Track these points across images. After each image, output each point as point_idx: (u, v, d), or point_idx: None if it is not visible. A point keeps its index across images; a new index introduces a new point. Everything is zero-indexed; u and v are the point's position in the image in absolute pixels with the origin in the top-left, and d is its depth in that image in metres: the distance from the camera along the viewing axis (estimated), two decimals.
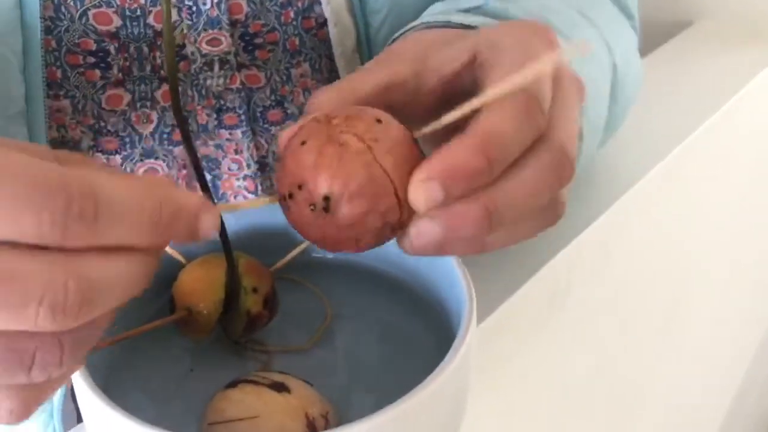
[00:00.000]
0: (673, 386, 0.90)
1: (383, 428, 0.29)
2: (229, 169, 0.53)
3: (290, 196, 0.30)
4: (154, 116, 0.51)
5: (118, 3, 0.47)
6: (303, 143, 0.30)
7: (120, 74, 0.49)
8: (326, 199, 0.29)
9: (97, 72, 0.49)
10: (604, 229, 0.56)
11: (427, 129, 0.31)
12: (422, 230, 0.30)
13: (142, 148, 0.51)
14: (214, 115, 0.52)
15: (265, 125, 0.53)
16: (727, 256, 0.91)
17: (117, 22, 0.47)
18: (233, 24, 0.50)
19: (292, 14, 0.52)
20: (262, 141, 0.53)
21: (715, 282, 0.91)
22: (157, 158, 0.51)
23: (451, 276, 0.36)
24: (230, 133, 0.52)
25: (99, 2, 0.47)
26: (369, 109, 0.31)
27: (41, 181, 0.23)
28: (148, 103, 0.50)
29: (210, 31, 0.50)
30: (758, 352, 1.17)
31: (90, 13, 0.47)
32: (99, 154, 0.50)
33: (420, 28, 0.43)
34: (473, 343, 0.33)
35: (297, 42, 0.53)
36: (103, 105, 0.49)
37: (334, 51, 0.53)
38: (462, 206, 0.29)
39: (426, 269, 0.39)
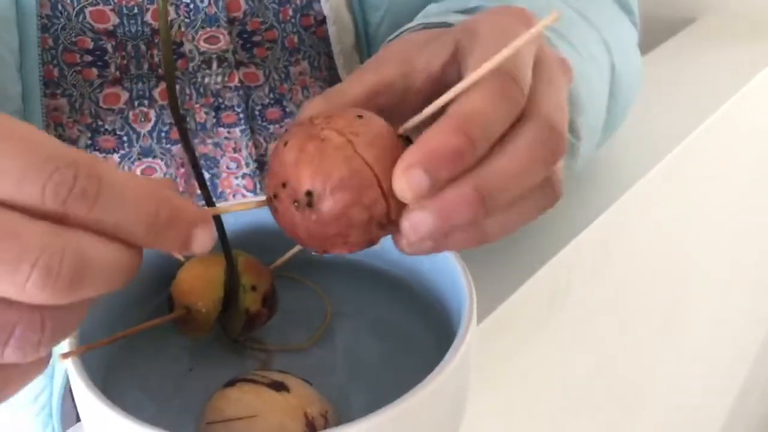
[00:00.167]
0: (674, 386, 0.90)
1: (383, 427, 0.29)
2: (228, 167, 0.53)
3: (275, 196, 0.30)
4: (152, 115, 0.50)
5: (115, 1, 0.47)
6: (285, 144, 0.30)
7: (117, 72, 0.49)
8: (309, 194, 0.29)
9: (95, 70, 0.48)
10: (604, 228, 0.56)
11: (410, 123, 0.31)
12: (414, 222, 0.29)
13: (140, 146, 0.50)
14: (213, 114, 0.52)
15: (264, 123, 0.53)
16: (728, 256, 0.91)
17: (114, 20, 0.47)
18: (231, 21, 0.50)
19: (290, 12, 0.52)
20: (261, 139, 0.53)
21: (716, 282, 0.91)
22: (155, 157, 0.51)
23: (452, 274, 0.36)
24: (229, 132, 0.52)
25: (96, 0, 0.46)
26: (351, 108, 0.31)
27: (52, 153, 0.24)
28: (146, 102, 0.50)
29: (208, 29, 0.50)
30: (759, 352, 1.17)
31: (87, 11, 0.47)
32: (97, 153, 0.49)
33: (415, 29, 0.43)
34: (473, 342, 0.33)
35: (296, 40, 0.53)
36: (101, 103, 0.49)
37: (333, 48, 0.53)
38: (452, 191, 0.28)
39: (426, 267, 0.39)
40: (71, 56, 0.48)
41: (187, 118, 0.51)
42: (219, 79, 0.51)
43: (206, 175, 0.51)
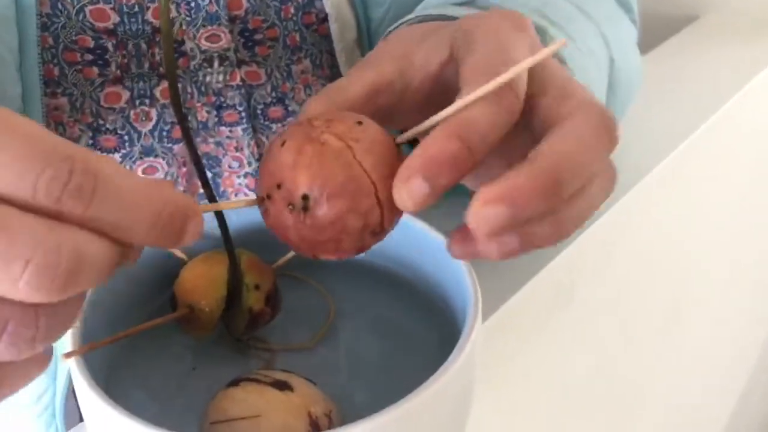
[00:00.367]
0: (676, 385, 0.90)
1: (387, 427, 0.29)
2: (230, 166, 0.52)
3: (268, 196, 0.29)
4: (154, 114, 0.50)
5: None
6: (283, 144, 0.29)
7: (118, 71, 0.49)
8: (305, 198, 0.28)
9: (95, 69, 0.48)
10: (606, 228, 0.56)
11: (408, 134, 0.31)
12: (487, 215, 0.27)
13: (142, 146, 0.50)
14: (214, 113, 0.51)
15: (266, 122, 0.53)
16: (730, 256, 0.91)
17: (114, 18, 0.47)
18: (232, 20, 0.50)
19: (292, 10, 0.51)
20: (263, 138, 0.53)
21: (718, 281, 0.91)
22: (156, 156, 0.50)
23: (456, 272, 0.36)
24: (230, 131, 0.52)
25: None
26: (350, 113, 0.31)
27: (47, 147, 0.23)
28: (147, 101, 0.50)
29: (209, 27, 0.49)
30: (762, 352, 1.17)
31: (87, 10, 0.46)
32: (98, 153, 0.49)
33: (414, 22, 0.42)
34: (478, 340, 0.32)
35: (297, 38, 0.52)
36: (102, 103, 0.49)
37: (335, 46, 0.52)
38: (526, 180, 0.27)
39: (430, 266, 0.38)
40: (72, 55, 0.47)
41: (189, 117, 0.51)
42: (220, 77, 0.51)
43: (208, 175, 0.51)
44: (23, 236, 0.23)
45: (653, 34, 0.84)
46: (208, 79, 0.51)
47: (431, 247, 0.37)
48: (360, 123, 0.30)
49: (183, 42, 0.49)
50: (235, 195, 0.52)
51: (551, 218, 0.29)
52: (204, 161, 0.51)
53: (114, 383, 0.34)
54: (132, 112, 0.50)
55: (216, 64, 0.51)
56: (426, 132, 0.29)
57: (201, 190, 0.50)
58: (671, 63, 0.82)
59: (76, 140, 0.49)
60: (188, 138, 0.31)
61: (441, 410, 0.31)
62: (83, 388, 0.30)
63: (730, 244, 0.90)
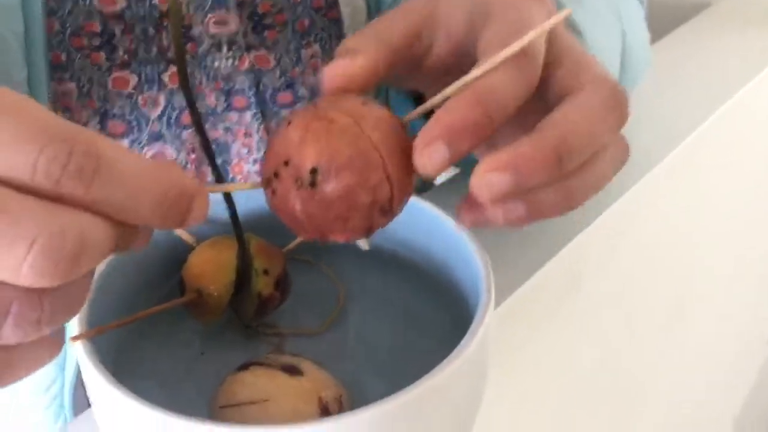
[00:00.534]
0: (685, 375, 0.89)
1: (398, 412, 0.28)
2: (239, 152, 0.52)
3: (276, 175, 0.29)
4: (162, 99, 0.50)
5: None
6: (289, 123, 0.29)
7: (126, 56, 0.48)
8: (313, 172, 0.28)
9: (103, 54, 0.48)
10: (614, 218, 0.55)
11: (415, 113, 0.31)
12: (490, 180, 0.28)
13: (150, 131, 0.50)
14: (223, 98, 0.51)
15: (275, 108, 0.52)
16: (737, 249, 0.90)
17: (122, 2, 0.47)
18: (241, 4, 0.50)
19: None
20: (272, 124, 0.53)
21: (724, 276, 0.90)
22: (165, 142, 0.50)
23: (467, 256, 0.35)
24: (239, 116, 0.52)
25: None
26: (354, 95, 0.31)
27: (45, 128, 0.23)
28: (155, 86, 0.49)
29: (217, 12, 0.49)
30: None
31: None
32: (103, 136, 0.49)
33: None
34: (491, 325, 0.32)
35: (307, 22, 0.52)
36: (110, 88, 0.49)
37: (346, 31, 0.52)
38: (529, 148, 0.28)
39: (440, 250, 0.38)
40: (79, 40, 0.47)
41: (197, 103, 0.50)
42: (229, 62, 0.51)
43: (217, 161, 0.51)
44: (25, 219, 0.22)
45: (664, 21, 0.83)
46: (216, 64, 0.50)
47: (441, 231, 0.37)
48: (365, 103, 0.30)
49: (191, 27, 0.49)
50: (245, 182, 0.52)
51: (559, 187, 0.29)
52: (213, 147, 0.51)
53: (122, 368, 0.34)
54: (140, 98, 0.49)
55: (224, 49, 0.50)
56: (439, 105, 0.29)
57: (210, 177, 0.50)
58: (682, 51, 0.82)
59: (84, 126, 0.48)
60: (198, 123, 0.31)
61: (453, 395, 0.31)
62: (90, 372, 0.30)
63: (738, 237, 0.89)
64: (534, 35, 0.29)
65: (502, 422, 0.51)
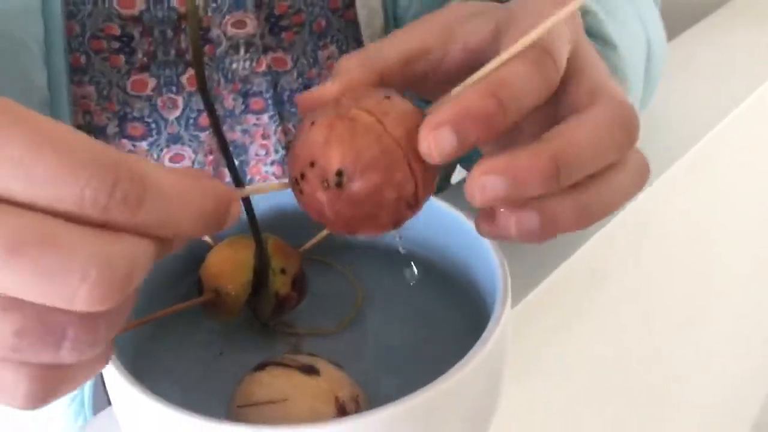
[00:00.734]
0: (704, 377, 0.89)
1: (415, 412, 0.28)
2: (257, 154, 0.52)
3: (302, 176, 0.29)
4: (180, 101, 0.50)
5: None
6: (312, 123, 0.29)
7: (144, 59, 0.49)
8: (339, 174, 0.28)
9: (122, 57, 0.48)
10: (633, 217, 0.55)
11: (437, 104, 0.31)
12: (483, 184, 0.28)
13: (168, 133, 0.50)
14: (241, 100, 0.51)
15: (293, 109, 0.53)
16: (760, 245, 0.89)
17: (140, 5, 0.47)
18: (259, 6, 0.50)
19: None
20: (290, 126, 0.53)
21: (748, 273, 0.89)
22: (183, 144, 0.50)
23: (484, 257, 0.35)
24: (257, 118, 0.52)
25: None
26: (377, 88, 0.31)
27: (90, 156, 0.23)
28: (174, 88, 0.50)
29: (235, 13, 0.49)
30: None
31: None
32: (125, 141, 0.49)
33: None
34: (508, 325, 0.32)
35: (324, 23, 0.52)
36: (129, 90, 0.49)
37: (363, 32, 0.52)
38: (528, 157, 0.27)
39: (458, 251, 0.38)
40: (98, 43, 0.47)
41: (215, 105, 0.51)
42: (247, 64, 0.51)
43: (235, 162, 0.51)
44: (78, 251, 0.22)
45: (683, 17, 0.83)
46: (234, 66, 0.51)
47: (459, 232, 0.37)
48: (388, 97, 0.30)
49: (209, 29, 0.49)
50: (262, 182, 0.52)
51: (574, 200, 0.29)
52: (231, 149, 0.51)
53: (140, 367, 0.34)
54: (159, 100, 0.50)
55: (242, 50, 0.50)
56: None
57: (228, 178, 0.50)
58: (701, 47, 0.81)
59: (104, 128, 0.49)
60: (216, 125, 0.31)
61: (470, 395, 0.31)
62: (110, 372, 0.30)
63: (757, 235, 0.88)
64: (551, 23, 0.28)
65: (520, 421, 0.51)
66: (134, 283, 0.24)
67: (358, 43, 0.53)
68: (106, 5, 0.46)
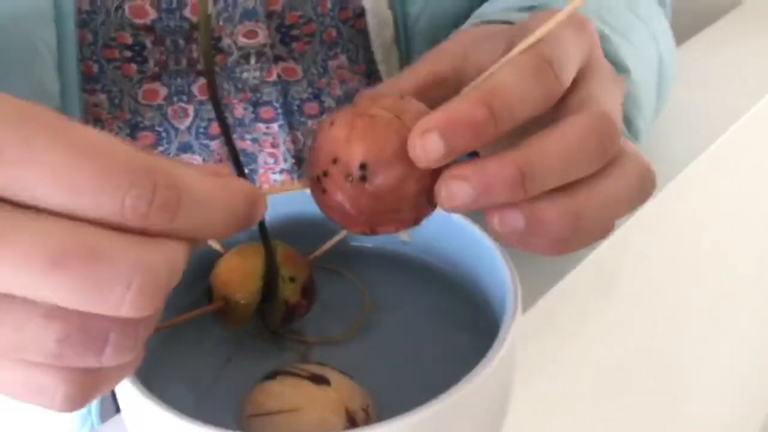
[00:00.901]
0: (718, 381, 0.88)
1: (425, 424, 0.28)
2: (266, 163, 0.52)
3: (324, 174, 0.30)
4: (191, 110, 0.50)
5: None
6: (332, 123, 0.30)
7: (156, 68, 0.49)
8: (363, 167, 0.29)
9: (134, 66, 0.48)
10: (644, 221, 0.55)
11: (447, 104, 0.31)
12: (451, 190, 0.28)
13: (179, 142, 0.50)
14: (251, 109, 0.51)
15: (302, 119, 0.53)
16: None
17: (153, 14, 0.47)
18: (270, 16, 0.50)
19: (329, 5, 0.51)
20: (299, 135, 0.53)
21: (761, 275, 0.89)
22: (193, 153, 0.51)
23: (493, 264, 0.35)
24: (267, 127, 0.52)
25: None
26: (389, 94, 0.31)
27: (126, 164, 0.23)
28: (185, 97, 0.50)
29: (246, 23, 0.49)
30: None
31: (126, 6, 0.47)
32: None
33: (476, 25, 0.43)
34: (518, 334, 0.32)
35: (334, 33, 0.52)
36: (140, 99, 0.49)
37: (372, 42, 0.52)
38: (493, 164, 0.28)
39: (467, 258, 0.38)
40: (110, 52, 0.48)
41: (226, 114, 0.51)
42: (257, 74, 0.51)
43: (245, 171, 0.51)
44: (121, 260, 0.22)
45: (695, 19, 0.82)
46: (244, 75, 0.51)
47: (468, 239, 0.37)
48: (403, 98, 0.31)
49: (220, 38, 0.49)
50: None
51: (561, 203, 0.29)
52: (241, 158, 0.51)
53: (150, 375, 0.34)
54: (169, 109, 0.50)
55: (253, 60, 0.51)
56: None
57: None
58: (713, 50, 0.81)
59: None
60: (227, 134, 0.31)
61: (479, 406, 0.31)
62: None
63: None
64: (546, 29, 0.29)
65: (529, 427, 0.51)
66: (172, 285, 0.24)
67: (369, 53, 0.54)
68: (119, 14, 0.47)
